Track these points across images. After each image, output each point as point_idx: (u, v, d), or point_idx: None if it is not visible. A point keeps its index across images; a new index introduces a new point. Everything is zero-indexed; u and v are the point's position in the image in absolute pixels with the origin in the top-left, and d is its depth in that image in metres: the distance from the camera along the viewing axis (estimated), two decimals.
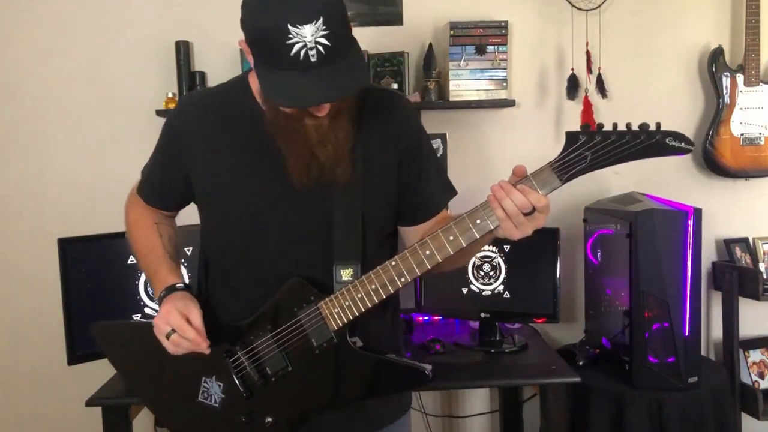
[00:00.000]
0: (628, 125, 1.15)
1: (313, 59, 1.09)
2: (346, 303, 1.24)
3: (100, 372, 2.19)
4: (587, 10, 2.62)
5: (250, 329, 1.30)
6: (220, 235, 1.35)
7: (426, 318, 2.64)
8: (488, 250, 2.41)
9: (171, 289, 1.31)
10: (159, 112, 2.50)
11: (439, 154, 2.65)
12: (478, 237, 1.18)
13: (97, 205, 2.61)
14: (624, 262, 2.24)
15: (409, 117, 1.40)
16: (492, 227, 1.18)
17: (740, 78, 2.59)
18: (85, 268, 2.10)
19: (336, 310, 1.25)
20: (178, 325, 1.24)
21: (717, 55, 2.61)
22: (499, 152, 2.69)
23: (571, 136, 1.15)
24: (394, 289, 1.23)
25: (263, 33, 1.12)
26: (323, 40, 1.09)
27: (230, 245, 1.34)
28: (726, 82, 2.60)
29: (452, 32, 2.53)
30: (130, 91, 2.59)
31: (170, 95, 2.51)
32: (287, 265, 1.29)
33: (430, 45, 2.58)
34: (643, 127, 1.14)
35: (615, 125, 1.16)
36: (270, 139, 1.26)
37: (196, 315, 1.26)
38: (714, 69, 2.61)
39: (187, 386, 1.36)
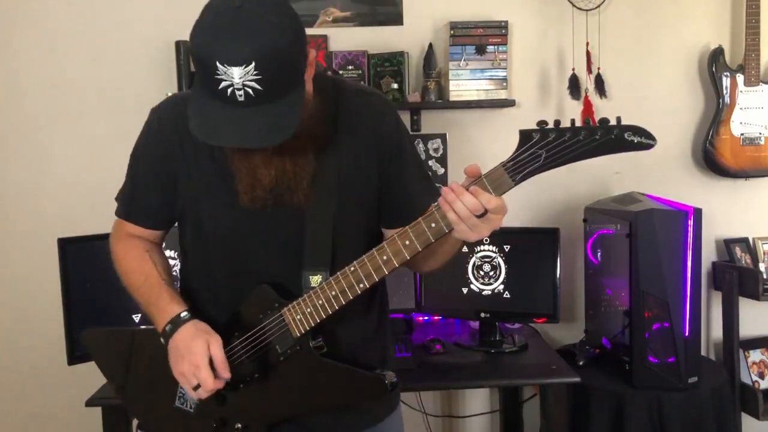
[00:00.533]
0: (586, 121, 1.10)
1: (240, 99, 1.07)
2: (308, 309, 1.23)
3: (100, 372, 2.19)
4: (587, 10, 2.62)
5: (221, 336, 1.28)
6: (199, 243, 1.35)
7: (426, 318, 2.64)
8: (488, 250, 2.41)
9: (177, 321, 1.28)
10: None
11: (439, 154, 2.65)
12: (433, 240, 1.16)
13: (97, 205, 2.60)
14: (624, 262, 2.24)
15: (386, 117, 1.35)
16: (446, 230, 1.15)
17: (740, 78, 2.59)
18: (85, 268, 2.10)
19: (299, 317, 1.24)
20: (204, 379, 1.22)
21: (717, 55, 2.61)
22: (499, 152, 2.65)
23: (524, 135, 1.13)
24: (353, 295, 1.22)
25: (197, 57, 1.08)
26: (254, 84, 1.05)
27: (207, 252, 1.34)
28: (726, 82, 2.60)
29: (452, 32, 2.53)
30: (130, 91, 2.59)
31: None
32: (260, 273, 1.29)
33: (430, 45, 2.58)
34: (603, 122, 1.08)
35: (573, 121, 1.11)
36: (225, 163, 1.25)
37: (216, 349, 1.24)
38: (714, 69, 2.61)
39: (165, 391, 1.37)
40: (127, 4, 2.58)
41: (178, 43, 2.52)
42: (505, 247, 2.40)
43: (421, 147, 2.64)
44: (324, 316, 1.23)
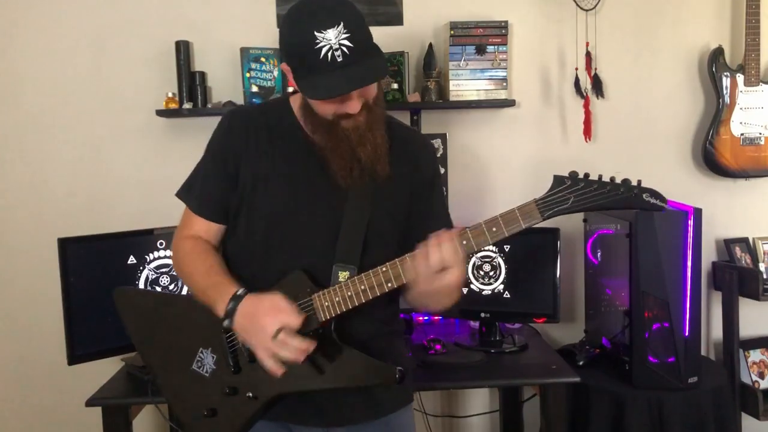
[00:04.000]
0: (612, 178, 1.23)
1: (339, 59, 1.25)
2: (337, 299, 1.34)
3: (100, 372, 2.19)
4: (587, 10, 2.62)
5: None
6: (246, 232, 1.45)
7: (426, 318, 2.64)
8: (488, 250, 2.41)
9: (236, 298, 1.35)
10: (159, 112, 2.50)
11: (439, 154, 2.65)
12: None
13: (97, 205, 2.61)
14: (624, 262, 2.24)
15: (429, 153, 1.56)
16: (476, 249, 1.30)
17: (740, 78, 2.59)
18: (85, 268, 2.10)
19: (327, 304, 1.35)
20: (286, 318, 1.29)
21: (717, 55, 2.61)
22: (499, 152, 2.69)
23: (557, 179, 1.25)
24: (380, 293, 1.33)
25: (296, 45, 1.28)
26: (346, 42, 1.25)
27: (251, 241, 1.44)
28: (726, 82, 2.60)
29: (452, 32, 2.53)
30: (130, 91, 2.59)
31: (170, 95, 2.51)
32: (298, 260, 1.40)
33: (430, 45, 2.58)
34: (626, 181, 1.22)
35: (600, 176, 1.24)
36: (307, 152, 1.41)
37: (283, 299, 1.32)
38: (714, 69, 2.61)
39: (185, 354, 1.48)
40: (127, 4, 2.58)
41: (178, 43, 2.52)
42: (505, 247, 2.40)
43: None
44: (350, 307, 1.34)
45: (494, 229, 1.27)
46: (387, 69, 1.35)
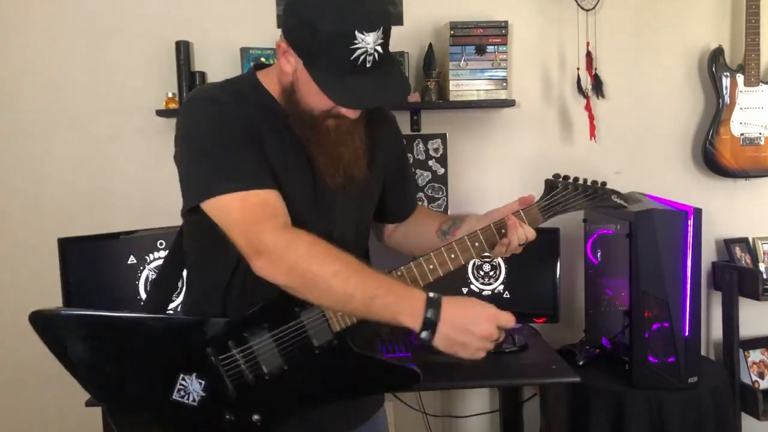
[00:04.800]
0: (585, 180, 1.44)
1: (368, 65, 1.18)
2: None
3: None
4: (587, 10, 2.62)
5: (244, 326, 1.26)
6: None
7: None
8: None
9: (434, 303, 1.18)
10: (159, 112, 2.50)
11: (439, 155, 2.65)
12: (475, 257, 1.35)
13: (97, 205, 2.61)
14: (624, 262, 2.24)
15: (397, 127, 1.53)
16: (489, 251, 1.36)
17: (740, 78, 2.59)
18: (85, 268, 2.10)
19: (339, 313, 1.25)
20: (503, 318, 1.22)
21: (717, 55, 2.61)
22: (499, 152, 2.69)
23: (550, 184, 1.40)
24: None
25: (328, 35, 1.16)
26: (379, 48, 1.18)
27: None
28: (726, 82, 2.60)
29: (452, 32, 2.52)
30: (130, 91, 2.59)
31: (170, 95, 2.51)
32: None
33: (430, 45, 2.58)
34: (595, 183, 1.44)
35: (576, 178, 1.43)
36: (295, 148, 1.29)
37: (486, 304, 1.23)
38: (714, 69, 2.61)
39: (158, 384, 1.29)
40: (127, 4, 2.58)
41: (178, 43, 2.52)
42: None
43: (421, 147, 2.64)
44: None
45: (527, 218, 1.38)
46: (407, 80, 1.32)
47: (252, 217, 1.19)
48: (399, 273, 1.28)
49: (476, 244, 1.33)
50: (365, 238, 1.45)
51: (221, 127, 1.23)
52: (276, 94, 1.30)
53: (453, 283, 2.42)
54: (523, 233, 1.33)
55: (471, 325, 1.17)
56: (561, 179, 1.40)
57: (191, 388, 1.29)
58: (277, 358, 1.26)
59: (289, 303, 1.25)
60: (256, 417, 1.29)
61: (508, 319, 1.21)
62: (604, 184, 1.44)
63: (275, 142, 1.27)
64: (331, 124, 1.26)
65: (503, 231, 1.34)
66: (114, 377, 1.31)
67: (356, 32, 1.14)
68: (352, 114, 1.25)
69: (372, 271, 1.21)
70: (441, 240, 1.45)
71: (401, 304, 1.16)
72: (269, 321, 1.27)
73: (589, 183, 1.43)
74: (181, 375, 1.29)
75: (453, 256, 1.32)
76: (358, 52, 1.16)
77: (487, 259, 2.41)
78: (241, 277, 1.30)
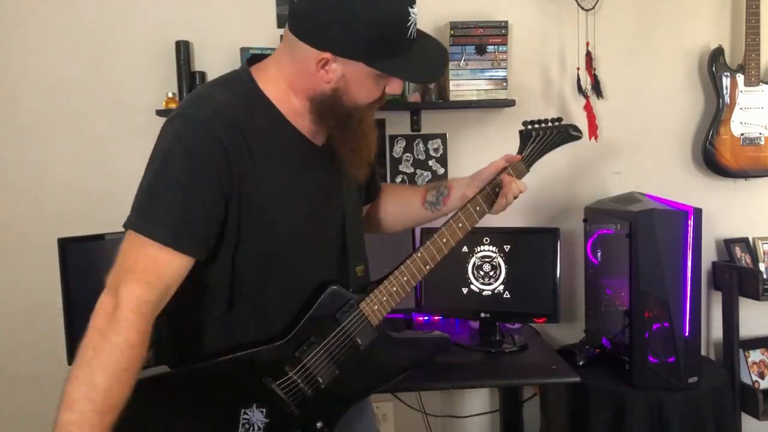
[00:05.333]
0: (547, 120, 1.56)
1: (415, 35, 1.23)
2: (384, 298, 1.34)
3: None
4: (587, 10, 2.62)
5: (292, 346, 1.28)
6: (251, 256, 1.25)
7: (426, 318, 2.64)
8: (488, 250, 2.41)
9: None
10: (159, 112, 2.50)
11: (439, 154, 2.66)
12: (478, 220, 1.45)
13: (97, 205, 2.60)
14: (624, 262, 2.24)
15: None
16: (487, 211, 1.47)
17: (740, 78, 2.59)
18: (85, 268, 2.10)
19: (376, 307, 1.34)
20: None
21: (717, 55, 2.61)
22: (499, 152, 2.66)
23: (526, 134, 1.54)
24: (422, 276, 1.39)
25: (387, 23, 1.17)
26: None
27: (260, 264, 1.26)
28: (726, 82, 2.60)
29: (452, 32, 2.53)
30: (130, 91, 2.59)
31: (170, 95, 2.51)
32: (313, 273, 1.31)
33: None
34: (558, 121, 1.57)
35: (544, 120, 1.56)
36: (307, 155, 1.27)
37: None
38: (714, 69, 2.61)
39: (222, 426, 1.27)
40: (127, 4, 2.58)
41: (178, 43, 2.52)
42: (505, 247, 2.40)
43: (421, 147, 2.64)
44: (398, 300, 1.36)
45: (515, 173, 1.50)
46: None
47: (140, 270, 1.14)
48: (419, 254, 1.38)
49: (477, 208, 1.44)
50: (360, 238, 1.45)
51: (182, 171, 1.15)
52: (275, 98, 1.25)
53: (453, 283, 2.43)
54: (516, 187, 1.45)
55: None
56: (533, 126, 1.53)
57: (254, 419, 1.29)
58: (331, 367, 1.31)
59: (329, 312, 1.30)
60: (319, 425, 1.33)
61: None
62: (560, 120, 1.57)
63: (287, 161, 1.24)
64: (362, 117, 1.27)
65: (497, 190, 1.47)
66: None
67: (409, 9, 1.20)
68: (398, 88, 1.28)
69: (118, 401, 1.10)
70: (431, 211, 1.52)
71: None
72: (315, 334, 1.30)
73: (550, 123, 1.55)
74: (242, 410, 1.28)
75: (460, 225, 1.42)
76: (410, 25, 1.20)
77: (487, 260, 2.41)
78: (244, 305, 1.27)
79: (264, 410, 1.29)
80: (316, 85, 1.21)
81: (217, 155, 1.15)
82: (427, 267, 1.39)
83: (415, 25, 1.20)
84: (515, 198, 1.46)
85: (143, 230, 1.16)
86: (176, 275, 1.17)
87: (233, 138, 1.17)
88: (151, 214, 1.17)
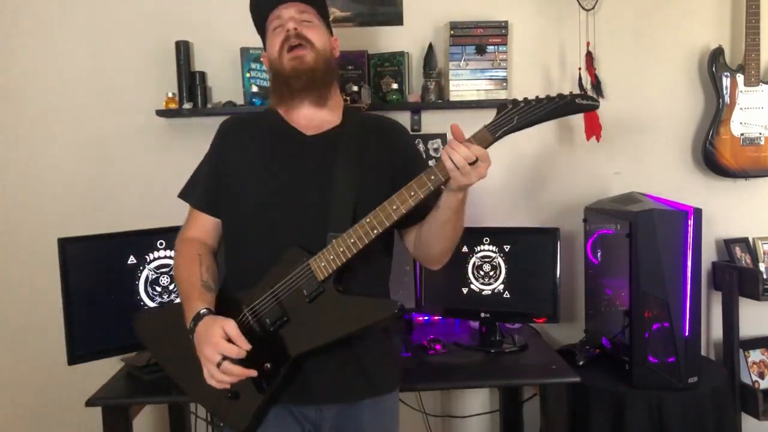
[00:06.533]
0: (547, 96, 1.41)
1: None
2: (331, 257, 1.46)
3: (100, 372, 2.19)
4: (587, 10, 2.62)
5: (254, 292, 1.52)
6: (239, 221, 1.58)
7: (426, 318, 2.64)
8: (488, 250, 2.41)
9: (197, 318, 1.48)
10: (159, 112, 2.50)
11: (439, 154, 2.65)
12: (432, 189, 1.42)
13: (97, 205, 2.61)
14: (624, 262, 2.24)
15: (401, 133, 1.72)
16: (443, 179, 1.41)
17: (740, 78, 2.59)
18: (85, 268, 2.10)
19: (323, 264, 1.46)
20: (225, 348, 1.41)
21: (717, 55, 2.61)
22: (498, 152, 2.67)
23: (501, 105, 1.43)
24: (369, 240, 1.44)
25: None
26: None
27: (247, 228, 1.57)
28: (726, 82, 2.60)
29: (452, 32, 2.53)
30: (130, 91, 2.59)
31: (170, 95, 2.51)
32: (291, 237, 1.52)
33: (430, 45, 2.58)
34: (560, 94, 1.40)
35: (537, 96, 1.41)
36: (298, 146, 1.59)
37: (231, 328, 1.43)
38: (714, 69, 2.61)
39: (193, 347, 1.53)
40: (127, 4, 2.58)
41: (178, 43, 2.52)
42: (505, 247, 2.40)
43: (421, 147, 2.64)
44: (344, 260, 1.45)
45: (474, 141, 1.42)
46: None
47: (184, 224, 1.70)
48: (368, 219, 1.44)
49: (432, 177, 1.41)
50: (371, 206, 1.51)
51: (209, 155, 1.68)
52: (278, 105, 1.66)
53: (453, 283, 2.43)
54: (467, 152, 1.38)
55: (203, 343, 1.43)
56: (512, 100, 1.43)
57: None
58: (277, 311, 1.50)
59: (287, 267, 1.49)
60: (267, 365, 1.49)
61: (231, 352, 1.40)
62: (561, 94, 1.41)
63: (275, 147, 1.60)
64: (295, 64, 1.56)
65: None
66: (177, 355, 1.60)
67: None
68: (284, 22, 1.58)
69: (192, 285, 1.55)
70: (436, 211, 1.53)
71: (187, 313, 1.51)
72: (271, 283, 1.51)
73: (540, 97, 1.41)
74: None
75: (412, 193, 1.42)
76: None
77: (487, 260, 2.41)
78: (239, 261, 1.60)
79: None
80: (269, 64, 1.66)
81: (218, 137, 1.67)
82: (374, 231, 1.44)
83: None
84: (473, 164, 1.38)
85: (187, 198, 1.69)
86: (207, 228, 1.66)
87: (232, 127, 1.67)
88: (188, 185, 1.70)
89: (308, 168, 1.56)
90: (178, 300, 1.62)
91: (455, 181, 1.40)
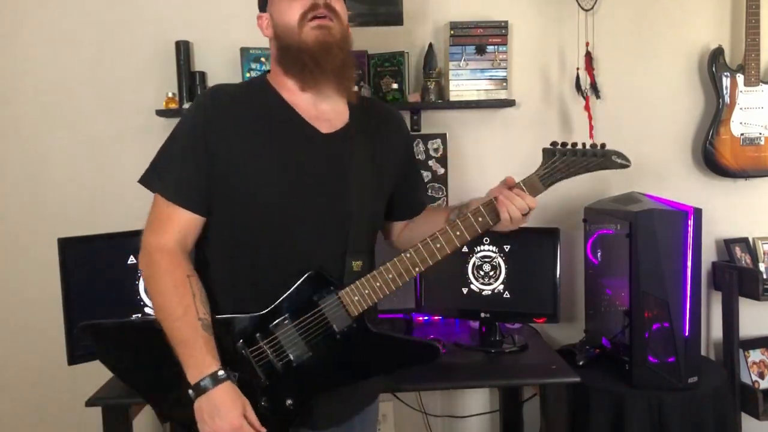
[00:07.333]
0: (584, 144, 1.46)
1: None
2: (366, 291, 1.36)
3: (100, 372, 2.18)
4: (587, 10, 2.62)
5: (268, 319, 1.36)
6: (242, 224, 1.37)
7: (426, 318, 2.64)
8: (488, 250, 2.41)
9: (216, 379, 1.30)
10: (159, 112, 2.50)
11: (439, 154, 2.65)
12: (480, 232, 1.40)
13: (97, 205, 2.61)
14: (624, 262, 2.24)
15: (406, 127, 1.62)
16: (492, 224, 1.41)
17: (740, 78, 2.59)
18: (85, 268, 2.10)
19: (356, 298, 1.36)
20: None
21: (717, 55, 2.61)
22: (499, 152, 2.69)
23: (548, 152, 1.44)
24: (409, 278, 1.38)
25: None
26: None
27: (252, 234, 1.37)
28: (726, 82, 2.60)
29: (452, 32, 2.53)
30: (130, 91, 2.59)
31: (170, 95, 2.51)
32: (307, 255, 1.37)
33: (430, 45, 2.58)
34: (595, 146, 1.45)
35: (575, 144, 1.45)
36: (305, 136, 1.39)
37: (251, 414, 1.32)
38: (714, 69, 2.61)
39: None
40: (127, 4, 2.58)
41: (178, 43, 2.52)
42: (505, 247, 2.40)
43: (421, 147, 2.64)
44: (381, 297, 1.37)
45: (530, 188, 1.42)
46: None
47: (155, 223, 1.37)
48: (408, 254, 1.37)
49: (480, 219, 1.39)
50: (379, 219, 1.50)
51: (191, 134, 1.36)
52: (277, 83, 1.43)
53: (453, 283, 2.43)
54: (521, 202, 1.37)
55: (220, 413, 1.28)
56: (559, 146, 1.44)
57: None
58: (302, 347, 1.36)
59: (308, 294, 1.36)
60: (288, 402, 1.38)
61: None
62: (603, 146, 1.45)
63: (271, 132, 1.37)
64: (319, 34, 1.35)
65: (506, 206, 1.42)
66: (157, 376, 1.41)
67: None
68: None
69: (193, 325, 1.30)
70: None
71: (189, 362, 1.31)
72: (291, 312, 1.36)
73: (588, 147, 1.44)
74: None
75: (458, 233, 1.38)
76: None
77: (487, 260, 2.41)
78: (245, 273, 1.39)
79: (236, 375, 1.35)
80: (271, 46, 1.43)
81: (201, 116, 1.36)
82: (416, 269, 1.37)
83: None
84: (525, 215, 1.39)
85: (160, 190, 1.37)
86: (190, 231, 1.37)
87: (218, 105, 1.37)
88: (165, 175, 1.37)
89: (324, 172, 1.39)
90: (138, 316, 1.42)
91: (503, 227, 1.41)
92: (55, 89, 2.59)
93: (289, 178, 1.35)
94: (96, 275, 2.11)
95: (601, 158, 1.43)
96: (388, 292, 1.37)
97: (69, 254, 2.07)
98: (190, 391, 1.30)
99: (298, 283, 1.35)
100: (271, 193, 1.35)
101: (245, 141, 1.35)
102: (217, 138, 1.34)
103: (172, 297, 1.32)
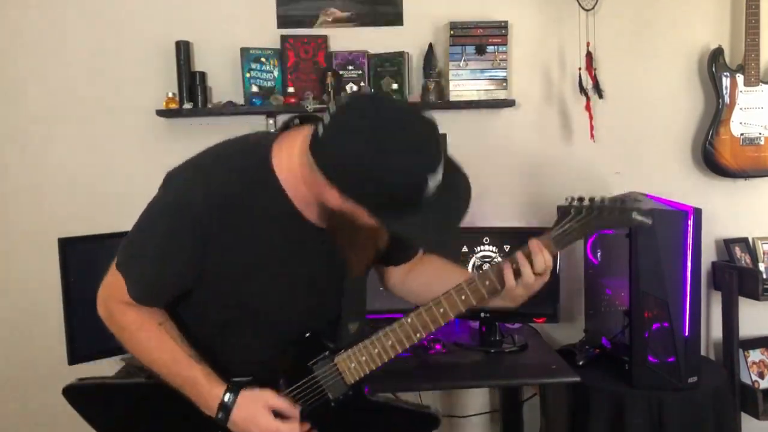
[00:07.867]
0: (603, 198, 1.30)
1: (430, 195, 1.12)
2: (363, 358, 1.28)
3: (100, 372, 2.18)
4: (587, 10, 2.62)
5: (261, 387, 1.29)
6: (233, 304, 1.30)
7: None
8: (488, 250, 2.41)
9: (226, 407, 1.25)
10: (159, 112, 2.50)
11: None
12: (487, 297, 1.29)
13: (97, 205, 2.60)
14: (624, 262, 2.24)
15: None
16: (499, 288, 1.31)
17: (740, 78, 2.59)
18: (85, 268, 2.10)
19: (353, 365, 1.29)
20: (282, 429, 1.25)
21: (717, 55, 2.61)
22: (499, 153, 2.69)
23: (562, 211, 1.31)
24: (410, 344, 1.29)
25: (399, 188, 1.10)
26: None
27: (243, 313, 1.30)
28: (726, 82, 2.60)
29: (452, 32, 2.53)
30: (130, 91, 2.59)
31: (170, 95, 2.51)
32: (300, 325, 1.31)
33: (430, 45, 2.58)
34: (615, 202, 1.30)
35: (592, 198, 1.29)
36: (311, 239, 1.26)
37: (276, 401, 1.26)
38: (714, 69, 2.61)
39: None
40: (127, 4, 2.58)
41: (178, 43, 2.52)
42: (505, 247, 2.40)
43: None
44: (380, 364, 1.29)
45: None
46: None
47: (115, 292, 1.36)
48: (409, 320, 1.28)
49: (487, 282, 1.30)
50: (361, 297, 1.41)
51: (172, 233, 1.24)
52: (286, 180, 1.23)
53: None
54: (542, 258, 1.30)
55: (251, 425, 1.24)
56: (574, 201, 1.30)
57: None
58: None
59: (303, 360, 1.30)
60: None
61: (287, 429, 1.25)
62: (622, 201, 1.30)
63: (284, 240, 1.25)
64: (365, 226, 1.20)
65: (515, 266, 1.33)
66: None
67: (428, 177, 1.09)
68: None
69: (186, 365, 1.25)
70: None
71: (199, 400, 1.26)
72: (286, 379, 1.30)
73: (606, 201, 1.29)
74: None
75: (463, 297, 1.29)
76: (426, 191, 1.10)
77: (487, 260, 2.41)
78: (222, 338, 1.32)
79: (249, 378, 1.30)
80: (325, 198, 1.17)
81: (189, 218, 1.22)
82: (417, 335, 1.29)
83: (437, 185, 1.11)
84: (539, 275, 1.31)
85: (126, 277, 1.32)
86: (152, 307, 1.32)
87: (224, 218, 1.21)
88: (131, 269, 1.32)
89: (319, 262, 1.30)
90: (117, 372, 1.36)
91: (511, 295, 1.33)
92: (55, 89, 2.59)
93: (289, 280, 1.29)
94: (96, 275, 2.11)
95: (619, 215, 1.28)
96: (386, 360, 1.29)
97: (69, 254, 2.07)
98: (219, 415, 1.25)
99: (293, 349, 1.29)
100: (265, 287, 1.28)
101: (247, 248, 1.24)
102: (212, 243, 1.22)
103: (152, 351, 1.29)
